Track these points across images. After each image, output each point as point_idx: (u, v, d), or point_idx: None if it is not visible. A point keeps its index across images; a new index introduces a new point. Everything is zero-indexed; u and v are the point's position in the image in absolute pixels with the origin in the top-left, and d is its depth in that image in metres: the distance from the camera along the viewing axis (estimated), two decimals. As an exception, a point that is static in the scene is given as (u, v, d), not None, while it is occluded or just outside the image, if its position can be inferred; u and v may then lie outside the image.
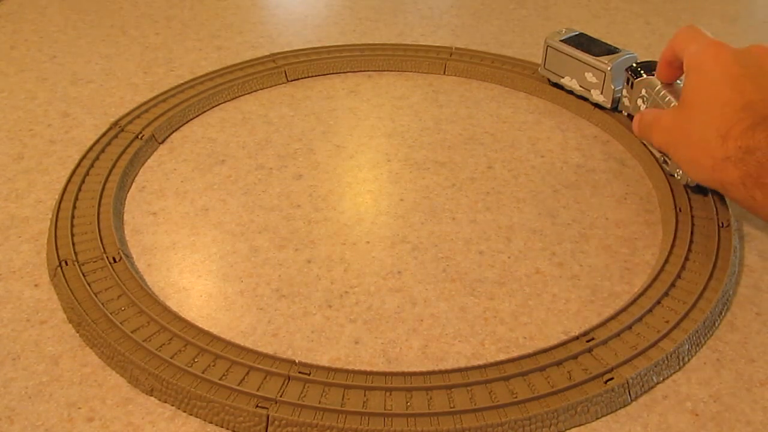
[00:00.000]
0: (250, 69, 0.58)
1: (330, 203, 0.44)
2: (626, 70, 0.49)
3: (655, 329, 0.35)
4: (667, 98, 0.45)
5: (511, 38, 0.65)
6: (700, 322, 0.35)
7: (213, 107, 0.54)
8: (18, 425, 0.31)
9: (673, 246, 0.40)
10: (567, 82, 0.54)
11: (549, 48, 0.54)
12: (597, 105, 0.53)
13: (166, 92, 0.54)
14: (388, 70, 0.60)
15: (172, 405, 0.32)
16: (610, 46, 0.53)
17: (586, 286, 0.39)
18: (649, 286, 0.37)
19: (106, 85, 0.57)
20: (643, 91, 0.47)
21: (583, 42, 0.53)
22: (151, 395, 0.32)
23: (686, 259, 0.39)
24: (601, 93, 0.52)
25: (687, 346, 0.34)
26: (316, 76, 0.59)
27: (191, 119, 0.53)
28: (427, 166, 0.48)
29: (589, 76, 0.52)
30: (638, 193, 0.46)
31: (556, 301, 0.38)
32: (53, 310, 0.37)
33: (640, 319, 0.35)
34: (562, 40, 0.54)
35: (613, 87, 0.51)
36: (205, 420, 0.31)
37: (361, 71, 0.59)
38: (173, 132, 0.51)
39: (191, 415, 0.31)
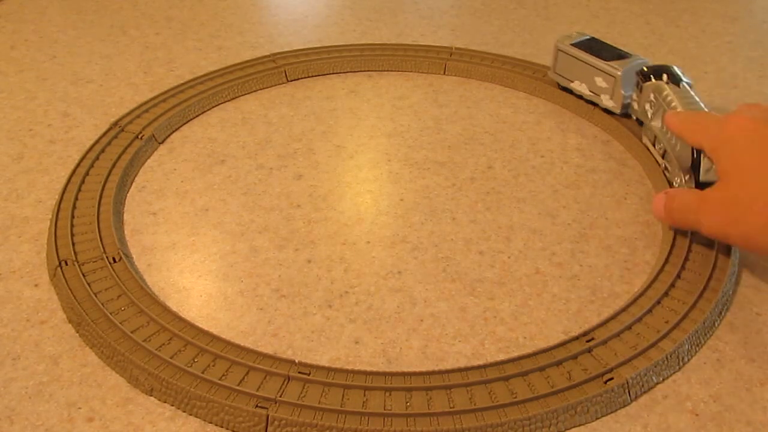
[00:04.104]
0: (250, 69, 0.58)
1: (330, 203, 0.44)
2: (636, 73, 0.49)
3: (655, 329, 0.35)
4: (673, 104, 0.44)
5: (511, 38, 0.65)
6: (700, 323, 0.35)
7: (213, 107, 0.54)
8: (18, 425, 0.31)
9: (672, 246, 0.40)
10: (576, 86, 0.53)
11: (559, 52, 0.54)
12: (606, 110, 0.52)
13: (166, 92, 0.54)
14: (388, 70, 0.60)
15: (172, 405, 0.32)
16: (621, 51, 0.52)
17: (586, 286, 0.39)
18: (649, 286, 0.37)
19: (106, 85, 0.57)
20: (651, 96, 0.46)
21: (594, 46, 0.53)
22: (151, 395, 0.32)
23: (686, 259, 0.39)
24: (611, 98, 0.51)
25: (687, 347, 0.34)
26: (316, 76, 0.59)
27: (191, 119, 0.53)
28: (427, 166, 0.48)
29: (599, 81, 0.51)
30: (638, 193, 0.46)
31: (556, 301, 0.38)
32: (53, 310, 0.37)
33: (639, 319, 0.35)
34: (572, 44, 0.53)
35: (623, 92, 0.50)
36: (204, 420, 0.31)
37: (361, 71, 0.59)
38: (173, 132, 0.51)
39: (191, 415, 0.31)
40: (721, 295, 0.37)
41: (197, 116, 0.53)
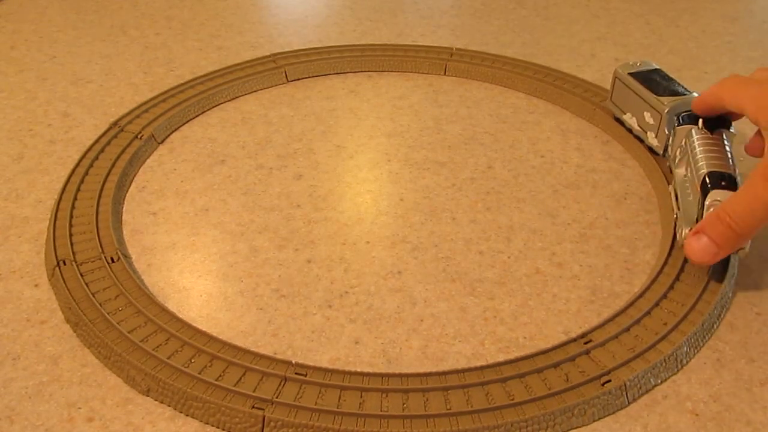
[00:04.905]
0: (250, 69, 0.58)
1: (330, 203, 0.44)
2: (677, 114, 0.44)
3: (653, 332, 0.35)
4: (697, 153, 0.40)
5: (511, 38, 0.65)
6: (699, 325, 0.35)
7: (213, 107, 0.54)
8: (18, 425, 0.31)
9: (672, 246, 0.40)
10: (628, 119, 0.49)
11: (616, 80, 0.50)
12: (651, 149, 0.48)
13: (166, 92, 0.54)
14: (388, 71, 0.60)
15: (169, 405, 0.32)
16: (680, 87, 0.47)
17: (586, 286, 0.39)
18: (648, 288, 0.37)
19: (106, 85, 0.57)
20: (683, 141, 0.42)
21: (653, 79, 0.48)
22: (148, 395, 0.32)
23: (686, 259, 0.39)
24: (656, 137, 0.46)
25: (685, 349, 0.34)
26: (316, 76, 0.59)
27: (191, 119, 0.53)
28: (427, 166, 0.48)
29: (648, 117, 0.47)
30: (638, 194, 0.46)
31: (556, 301, 0.38)
32: (53, 310, 0.37)
33: (638, 321, 0.35)
34: (630, 73, 0.49)
35: (667, 132, 0.45)
36: (201, 421, 0.31)
37: (361, 71, 0.59)
38: (173, 132, 0.51)
39: (188, 416, 0.31)
40: (720, 296, 0.37)
41: (197, 116, 0.53)
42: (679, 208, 0.40)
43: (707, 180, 0.38)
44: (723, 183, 0.37)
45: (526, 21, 0.69)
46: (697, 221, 0.37)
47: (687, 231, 0.38)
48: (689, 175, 0.40)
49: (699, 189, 0.38)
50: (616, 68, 0.50)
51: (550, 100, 0.55)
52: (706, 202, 0.37)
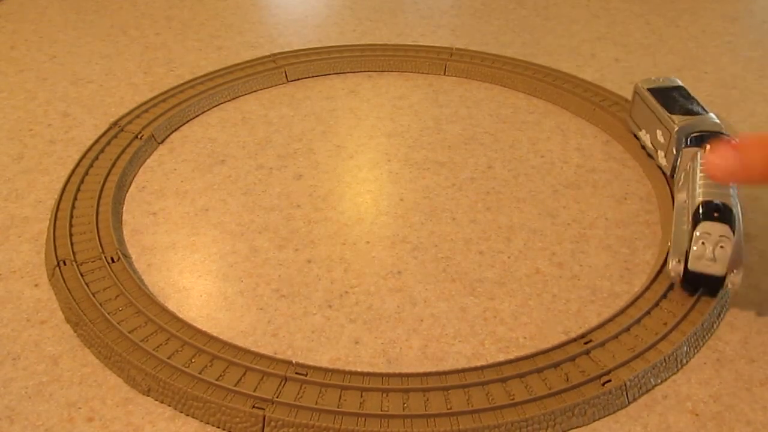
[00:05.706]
0: (250, 69, 0.58)
1: (330, 203, 0.44)
2: (685, 135, 0.42)
3: (653, 331, 0.35)
4: (698, 183, 0.37)
5: (511, 38, 0.65)
6: (699, 325, 0.35)
7: (213, 107, 0.54)
8: (18, 425, 0.31)
9: (672, 246, 0.40)
10: (642, 135, 0.47)
11: (635, 95, 0.48)
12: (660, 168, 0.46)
13: (166, 92, 0.54)
14: (388, 71, 0.60)
15: (169, 405, 0.32)
16: (699, 107, 0.44)
17: (586, 286, 0.39)
18: (648, 288, 0.37)
19: (106, 85, 0.57)
20: (689, 165, 0.40)
21: (671, 96, 0.46)
22: (148, 395, 0.32)
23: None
24: (665, 156, 0.44)
25: (685, 348, 0.34)
26: (316, 76, 0.59)
27: (191, 119, 0.53)
28: (427, 166, 0.48)
29: (659, 135, 0.45)
30: (638, 194, 0.46)
31: (556, 301, 0.38)
32: (53, 309, 0.37)
33: (638, 321, 0.35)
34: (649, 89, 0.47)
35: (675, 152, 0.43)
36: (201, 420, 0.31)
37: (361, 71, 0.59)
38: (173, 132, 0.51)
39: (188, 415, 0.31)
40: (720, 296, 0.37)
41: (197, 116, 0.53)
42: (672, 237, 0.38)
43: (700, 210, 0.36)
44: (716, 215, 0.35)
45: (526, 21, 0.69)
46: (686, 252, 0.36)
47: (675, 262, 0.36)
48: (688, 201, 0.38)
49: (691, 218, 0.36)
50: (636, 83, 0.48)
51: (550, 100, 0.55)
52: (696, 234, 0.35)
